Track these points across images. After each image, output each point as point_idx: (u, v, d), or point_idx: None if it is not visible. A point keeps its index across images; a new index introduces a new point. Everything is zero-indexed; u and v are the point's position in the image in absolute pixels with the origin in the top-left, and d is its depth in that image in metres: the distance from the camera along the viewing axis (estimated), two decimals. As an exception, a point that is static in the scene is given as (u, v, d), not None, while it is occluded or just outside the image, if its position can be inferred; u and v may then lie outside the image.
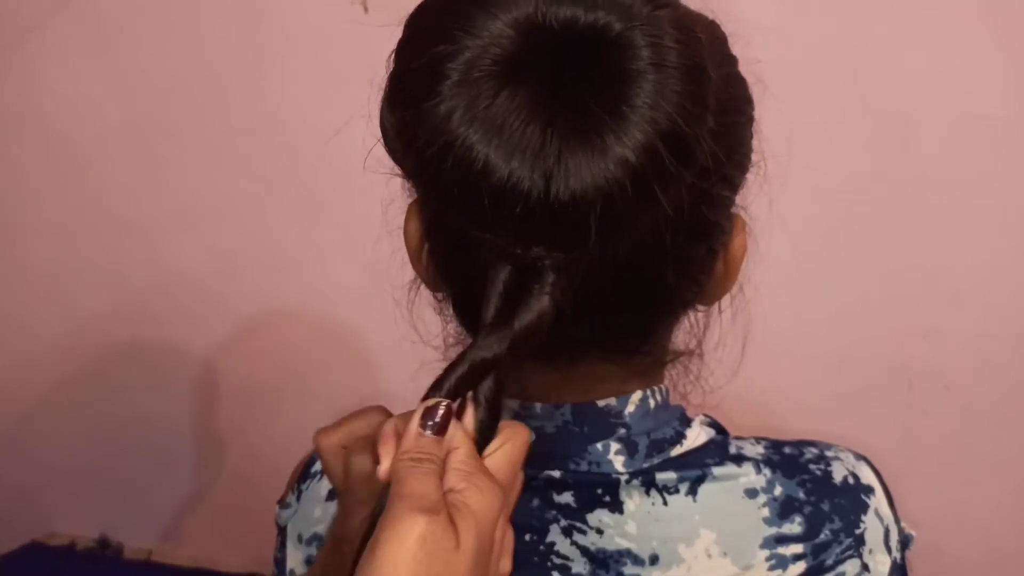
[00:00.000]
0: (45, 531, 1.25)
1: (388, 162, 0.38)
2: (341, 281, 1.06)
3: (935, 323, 0.93)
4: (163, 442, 1.20)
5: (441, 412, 0.33)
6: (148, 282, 1.12)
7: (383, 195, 0.41)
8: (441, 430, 0.33)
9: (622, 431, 0.42)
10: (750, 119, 0.39)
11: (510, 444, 0.34)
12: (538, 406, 0.42)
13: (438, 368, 0.36)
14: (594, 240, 0.32)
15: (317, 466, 0.48)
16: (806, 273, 0.90)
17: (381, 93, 0.36)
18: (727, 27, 0.38)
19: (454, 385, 0.34)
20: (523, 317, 0.33)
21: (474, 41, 0.31)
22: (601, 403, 0.42)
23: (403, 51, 0.34)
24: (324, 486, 0.47)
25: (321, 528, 0.46)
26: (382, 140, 0.37)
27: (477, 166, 0.31)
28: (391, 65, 0.34)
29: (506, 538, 0.34)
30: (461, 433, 0.34)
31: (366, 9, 0.94)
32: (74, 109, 1.06)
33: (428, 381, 0.34)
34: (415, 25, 0.34)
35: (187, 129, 1.04)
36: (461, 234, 0.35)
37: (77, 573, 1.21)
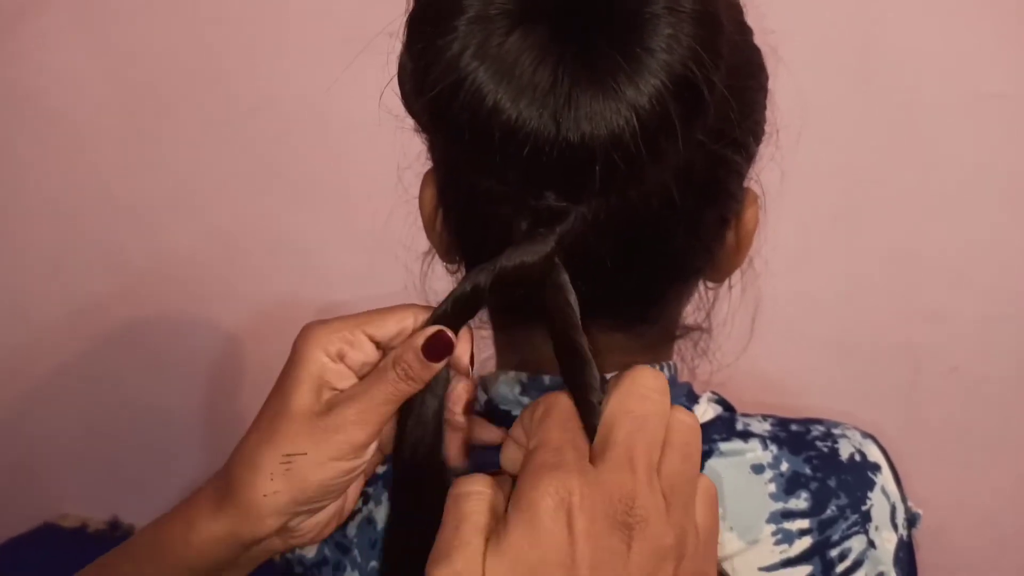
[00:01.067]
0: (56, 513, 1.26)
1: (399, 137, 0.38)
2: (343, 263, 1.06)
3: (941, 304, 0.93)
4: (166, 425, 1.20)
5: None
6: (147, 264, 1.12)
7: (399, 160, 0.40)
8: None
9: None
10: (763, 87, 0.39)
11: (613, 399, 0.32)
12: (547, 378, 0.42)
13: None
14: (603, 185, 0.31)
15: None
16: (810, 254, 0.90)
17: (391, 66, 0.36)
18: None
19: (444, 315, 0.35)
20: (512, 255, 0.33)
21: None
22: (609, 376, 0.42)
23: None
24: None
25: None
26: (399, 92, 0.37)
27: (487, 106, 0.31)
28: (410, 6, 0.34)
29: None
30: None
31: (367, -12, 0.93)
32: (70, 90, 1.06)
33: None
34: None
35: (186, 109, 1.04)
36: (473, 190, 0.34)
37: (89, 554, 1.22)
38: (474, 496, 0.30)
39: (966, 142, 0.87)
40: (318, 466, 0.34)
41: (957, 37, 0.85)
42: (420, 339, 0.35)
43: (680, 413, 0.33)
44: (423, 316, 0.36)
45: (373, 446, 0.36)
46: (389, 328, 0.36)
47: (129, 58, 1.03)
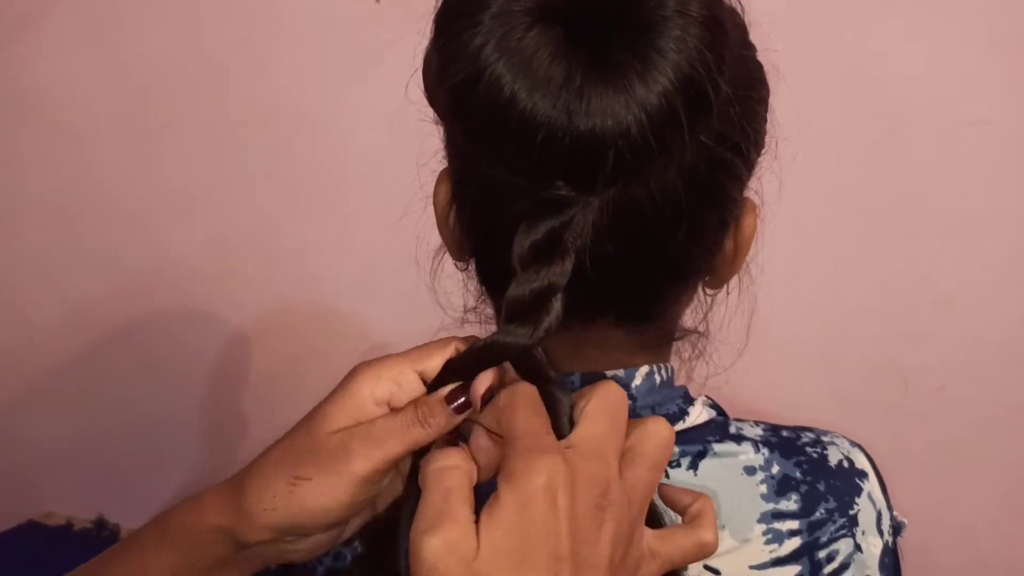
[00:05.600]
0: (41, 512, 1.25)
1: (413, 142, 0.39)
2: (340, 269, 1.06)
3: (928, 325, 0.95)
4: (158, 427, 1.20)
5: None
6: (144, 268, 1.12)
7: (417, 155, 0.42)
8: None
9: (628, 403, 0.43)
10: (764, 100, 0.41)
11: (592, 402, 0.35)
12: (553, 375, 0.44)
13: (454, 332, 0.37)
14: (611, 176, 0.33)
15: None
16: (799, 274, 0.91)
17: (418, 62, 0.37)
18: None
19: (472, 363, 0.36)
20: (548, 320, 0.35)
21: None
22: (609, 373, 0.43)
23: None
24: None
25: None
26: (423, 85, 0.38)
27: (504, 96, 0.32)
28: (438, 3, 0.36)
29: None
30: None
31: (378, 0, 0.95)
32: (72, 95, 1.06)
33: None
34: None
35: (186, 116, 1.05)
36: (486, 181, 0.36)
37: (73, 552, 1.20)
38: (456, 470, 0.33)
39: (951, 167, 0.89)
40: (318, 494, 0.35)
41: (942, 64, 0.87)
42: (446, 389, 0.36)
43: (658, 425, 0.36)
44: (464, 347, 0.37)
45: (380, 485, 0.37)
46: (436, 362, 0.37)
47: (130, 65, 1.04)
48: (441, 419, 0.35)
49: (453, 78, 0.33)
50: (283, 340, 1.13)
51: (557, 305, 0.35)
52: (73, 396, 1.19)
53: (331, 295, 1.08)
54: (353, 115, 1.00)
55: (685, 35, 0.33)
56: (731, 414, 0.47)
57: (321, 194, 1.05)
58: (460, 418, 0.36)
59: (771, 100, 0.40)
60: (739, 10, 0.39)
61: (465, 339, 0.38)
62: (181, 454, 1.20)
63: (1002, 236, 0.91)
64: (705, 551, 0.37)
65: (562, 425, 0.34)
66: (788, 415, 0.96)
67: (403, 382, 0.36)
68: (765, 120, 0.41)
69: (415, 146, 0.43)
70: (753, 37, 0.40)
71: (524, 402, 0.34)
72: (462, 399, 0.35)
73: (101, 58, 1.04)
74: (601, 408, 0.34)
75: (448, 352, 0.37)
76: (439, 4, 0.36)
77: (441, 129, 0.40)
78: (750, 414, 0.46)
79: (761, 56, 0.40)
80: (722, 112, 0.35)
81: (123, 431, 1.20)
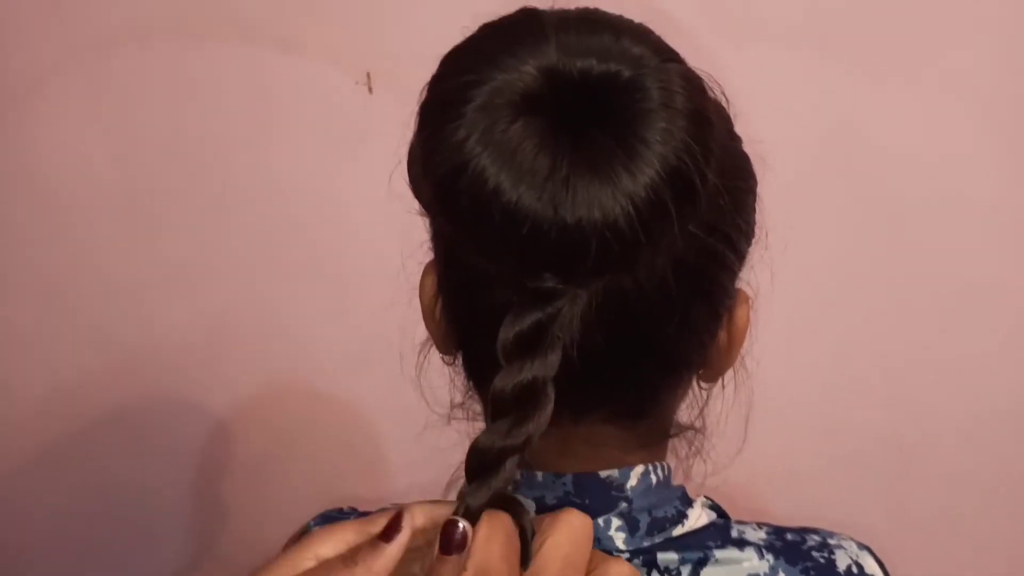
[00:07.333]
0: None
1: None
2: (336, 349, 1.05)
3: (928, 398, 0.93)
4: (149, 506, 1.17)
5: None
6: (137, 343, 1.11)
7: (403, 249, 0.41)
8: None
9: (623, 505, 0.41)
10: (752, 190, 0.40)
11: (550, 540, 0.33)
12: (540, 475, 0.42)
13: (441, 430, 0.35)
14: (597, 266, 0.32)
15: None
16: (797, 346, 0.91)
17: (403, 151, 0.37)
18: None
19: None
20: (538, 419, 0.33)
21: (501, 75, 0.33)
22: (603, 474, 0.41)
23: (435, 83, 0.36)
24: None
25: None
26: (407, 177, 0.38)
27: (488, 188, 0.32)
28: (423, 96, 0.36)
29: None
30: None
31: (371, 90, 0.97)
32: (69, 167, 1.07)
33: (433, 442, 0.34)
34: (449, 62, 0.36)
35: (182, 193, 1.05)
36: (472, 273, 0.35)
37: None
38: None
39: (948, 244, 0.90)
40: None
41: (936, 141, 0.88)
42: (382, 524, 0.33)
43: (617, 566, 0.33)
44: (433, 513, 0.34)
45: None
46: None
47: (128, 139, 1.05)
48: (368, 553, 0.32)
49: (437, 170, 0.33)
50: (275, 420, 1.11)
51: (544, 412, 0.33)
52: (61, 473, 1.17)
53: (324, 376, 1.07)
54: (347, 198, 1.01)
55: (671, 127, 0.32)
56: (733, 499, 0.45)
57: (320, 275, 1.05)
58: (393, 547, 0.32)
59: (759, 190, 0.40)
60: (724, 103, 0.39)
61: (435, 503, 0.35)
62: (170, 533, 1.17)
63: (1001, 312, 0.91)
64: None
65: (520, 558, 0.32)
66: (786, 487, 0.94)
67: (352, 542, 0.34)
68: (754, 210, 0.40)
69: (401, 237, 0.42)
70: (738, 128, 0.40)
71: (500, 539, 0.32)
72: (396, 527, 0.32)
73: (98, 133, 1.05)
74: (555, 548, 0.32)
75: (413, 522, 0.34)
76: (423, 97, 0.36)
77: (427, 220, 0.40)
78: (750, 490, 0.44)
79: (748, 147, 0.40)
80: (710, 203, 0.34)
81: (110, 510, 1.17)
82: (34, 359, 1.13)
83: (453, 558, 0.32)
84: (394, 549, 0.32)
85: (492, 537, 0.32)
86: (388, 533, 0.32)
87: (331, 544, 0.34)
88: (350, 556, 0.32)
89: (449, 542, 0.32)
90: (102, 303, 1.10)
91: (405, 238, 0.42)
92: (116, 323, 1.10)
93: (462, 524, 0.32)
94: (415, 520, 0.33)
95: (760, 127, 0.41)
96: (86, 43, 0.99)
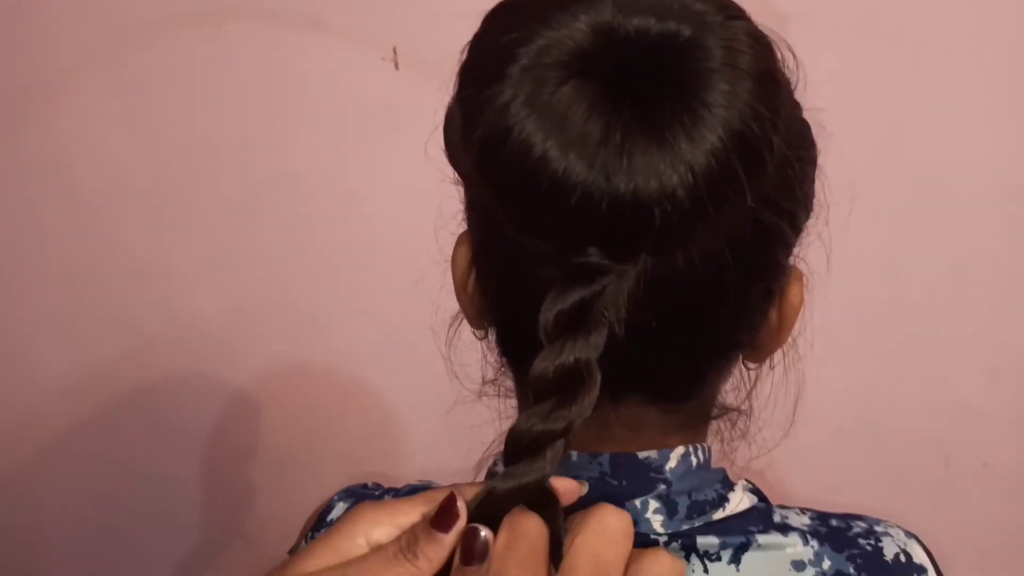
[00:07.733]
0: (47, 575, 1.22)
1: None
2: (357, 336, 1.04)
3: (973, 399, 0.90)
4: (170, 492, 1.17)
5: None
6: (161, 332, 1.11)
7: (435, 216, 0.39)
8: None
9: (662, 487, 0.39)
10: (813, 160, 0.38)
11: (579, 538, 0.30)
12: (574, 455, 0.40)
13: (471, 406, 0.34)
14: (651, 243, 0.30)
15: (333, 514, 0.45)
16: (845, 342, 0.88)
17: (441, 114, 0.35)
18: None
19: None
20: (582, 403, 0.31)
21: (550, 32, 0.30)
22: (641, 455, 0.39)
23: (477, 42, 0.33)
24: None
25: None
26: (443, 143, 0.35)
27: (534, 156, 0.29)
28: (463, 57, 0.33)
29: None
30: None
31: (397, 66, 0.95)
32: (94, 158, 1.07)
33: (462, 419, 0.32)
34: (492, 19, 0.33)
35: (208, 180, 1.04)
36: (511, 247, 0.33)
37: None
38: None
39: (998, 234, 0.87)
40: None
41: (988, 129, 0.85)
42: (433, 510, 0.32)
43: (664, 557, 0.31)
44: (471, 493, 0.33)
45: None
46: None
47: (153, 127, 1.05)
48: (427, 544, 0.30)
49: (478, 136, 0.30)
50: (297, 408, 1.11)
51: (590, 396, 0.31)
52: (85, 460, 1.18)
53: (347, 364, 1.07)
54: (371, 179, 1.00)
55: (735, 89, 0.30)
56: (775, 487, 0.43)
57: (341, 262, 1.04)
58: (451, 536, 0.31)
59: (822, 160, 0.38)
60: (792, 65, 0.36)
61: (474, 485, 0.33)
62: (193, 520, 1.18)
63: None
64: None
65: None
66: (828, 490, 0.92)
67: (406, 525, 0.32)
68: (814, 182, 0.38)
69: (433, 208, 0.40)
70: (797, 95, 0.37)
71: (524, 546, 0.30)
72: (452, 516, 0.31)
73: (123, 123, 1.05)
74: (586, 547, 0.30)
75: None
76: (464, 57, 0.33)
77: (461, 190, 0.38)
78: (792, 483, 0.42)
79: (808, 115, 0.37)
80: (776, 173, 0.32)
81: (133, 496, 1.18)
82: (60, 347, 1.15)
83: (474, 568, 0.30)
84: (452, 538, 0.31)
85: (511, 545, 0.30)
86: (445, 521, 0.31)
87: (384, 528, 0.32)
88: (408, 547, 0.31)
89: (471, 552, 0.30)
90: (127, 292, 1.11)
91: (440, 209, 0.40)
92: (142, 312, 1.11)
93: (483, 533, 0.30)
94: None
95: (818, 94, 0.38)
96: (111, 30, 0.99)
